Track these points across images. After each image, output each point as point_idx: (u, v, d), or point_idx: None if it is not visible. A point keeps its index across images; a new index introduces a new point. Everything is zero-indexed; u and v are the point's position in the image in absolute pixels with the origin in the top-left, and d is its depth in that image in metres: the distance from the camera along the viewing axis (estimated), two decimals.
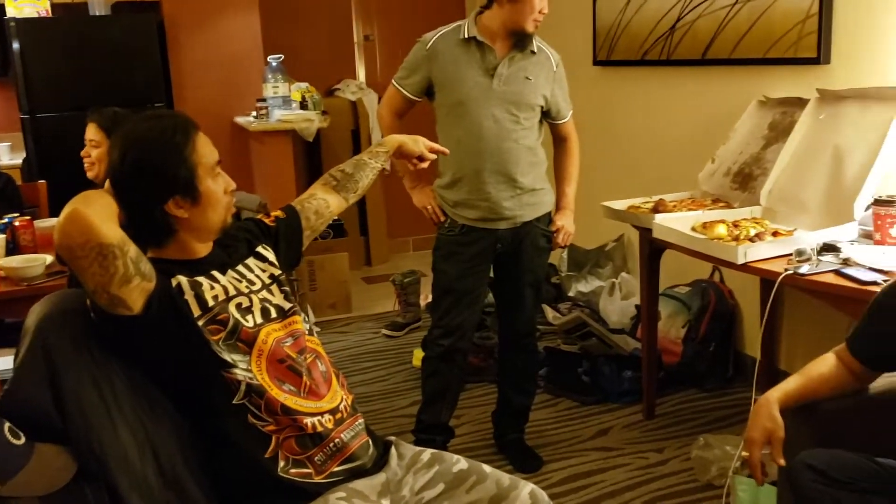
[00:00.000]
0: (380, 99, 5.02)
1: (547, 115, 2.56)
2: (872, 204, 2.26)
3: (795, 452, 1.73)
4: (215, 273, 1.53)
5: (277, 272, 1.66)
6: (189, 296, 1.45)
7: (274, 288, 1.62)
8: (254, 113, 4.28)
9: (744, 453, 1.71)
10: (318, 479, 1.49)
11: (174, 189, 1.46)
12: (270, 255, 1.68)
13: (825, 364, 1.76)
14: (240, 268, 1.60)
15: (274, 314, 1.57)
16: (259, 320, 1.54)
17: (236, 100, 4.50)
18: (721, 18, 3.16)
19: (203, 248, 1.55)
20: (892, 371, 1.73)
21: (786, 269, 2.16)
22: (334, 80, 5.22)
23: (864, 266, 2.08)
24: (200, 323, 1.45)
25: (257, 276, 1.62)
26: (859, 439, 1.73)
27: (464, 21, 2.47)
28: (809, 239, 2.27)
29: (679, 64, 3.44)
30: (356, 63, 5.36)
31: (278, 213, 1.78)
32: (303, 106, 4.31)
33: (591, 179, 3.78)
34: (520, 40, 2.41)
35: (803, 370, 1.79)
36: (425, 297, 4.34)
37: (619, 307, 3.68)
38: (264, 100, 4.25)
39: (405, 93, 2.52)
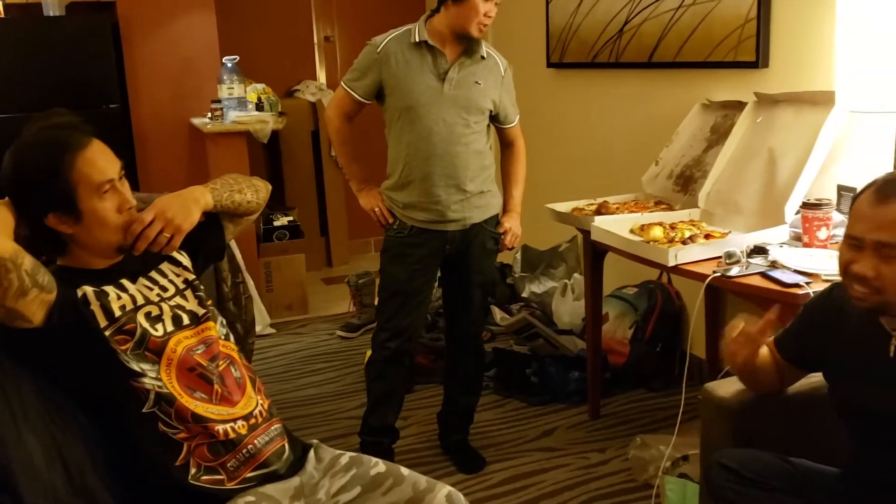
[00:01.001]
0: None
1: (494, 119, 2.59)
2: (801, 207, 2.30)
3: (712, 452, 1.77)
4: (124, 282, 1.53)
5: (192, 277, 1.66)
6: (95, 306, 1.45)
7: (188, 293, 1.62)
8: (209, 114, 4.26)
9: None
10: (230, 486, 1.50)
11: (50, 205, 1.44)
12: (185, 260, 1.68)
13: (765, 350, 1.79)
14: (153, 274, 1.60)
15: (186, 321, 1.58)
16: (169, 328, 1.54)
17: (192, 101, 4.47)
18: (665, 22, 3.19)
19: (104, 262, 1.54)
20: (811, 370, 1.75)
21: (714, 272, 2.19)
22: (294, 81, 5.21)
23: (789, 268, 2.11)
24: (107, 333, 1.45)
25: (171, 282, 1.62)
26: (773, 439, 1.77)
27: (414, 24, 2.47)
28: (741, 241, 2.30)
29: (627, 67, 3.47)
30: (316, 64, 5.35)
31: None
32: (259, 107, 4.29)
33: (543, 181, 3.81)
34: (468, 45, 2.43)
35: None
36: None
37: (570, 308, 3.70)
38: (219, 101, 4.23)
39: (355, 95, 2.51)
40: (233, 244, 3.75)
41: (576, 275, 3.91)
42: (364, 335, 3.92)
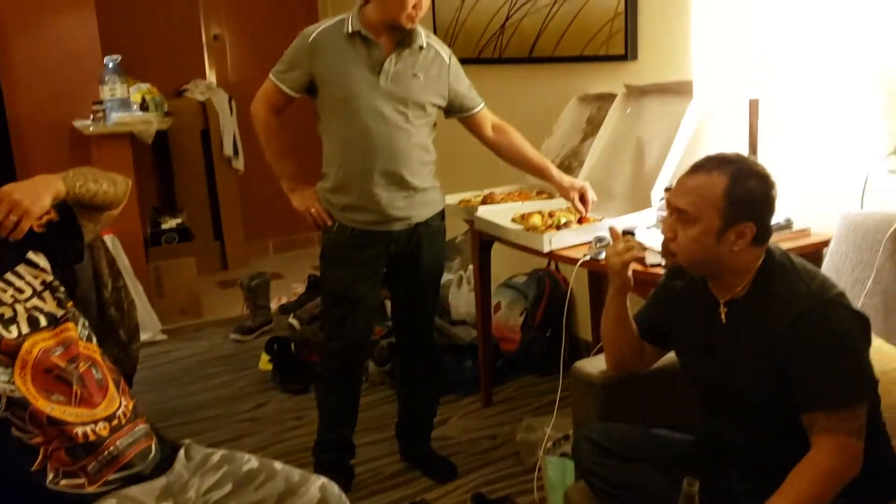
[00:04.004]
0: (231, 99, 5.00)
1: (453, 111, 2.47)
2: (665, 191, 2.41)
3: (579, 427, 1.84)
4: None
5: (50, 278, 1.62)
6: None
7: (46, 295, 1.58)
8: (91, 116, 4.12)
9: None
10: (90, 489, 1.47)
11: None
12: (42, 261, 1.63)
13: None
14: (8, 276, 1.55)
15: (43, 322, 1.54)
16: (25, 330, 1.50)
17: (74, 103, 4.31)
18: (543, 18, 3.28)
19: None
20: (667, 349, 1.84)
21: (585, 255, 2.27)
22: (183, 80, 5.09)
23: (654, 250, 2.21)
24: None
25: (28, 284, 1.57)
26: (637, 412, 1.85)
27: (347, 14, 2.31)
28: (613, 225, 2.39)
29: (509, 62, 3.54)
30: (206, 63, 5.25)
31: (51, 215, 1.71)
32: (143, 108, 4.18)
33: (437, 174, 3.85)
34: (403, 36, 2.29)
35: None
36: (277, 300, 4.32)
37: (466, 299, 3.75)
38: (101, 102, 4.11)
39: (284, 88, 2.34)
40: (116, 248, 3.70)
41: (471, 266, 3.97)
42: (259, 338, 3.87)
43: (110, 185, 1.74)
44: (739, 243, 1.52)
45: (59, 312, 1.58)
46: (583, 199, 2.50)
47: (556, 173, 2.54)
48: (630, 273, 1.76)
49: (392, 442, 2.76)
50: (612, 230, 1.88)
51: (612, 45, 2.96)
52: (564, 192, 2.54)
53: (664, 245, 1.62)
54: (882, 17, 2.08)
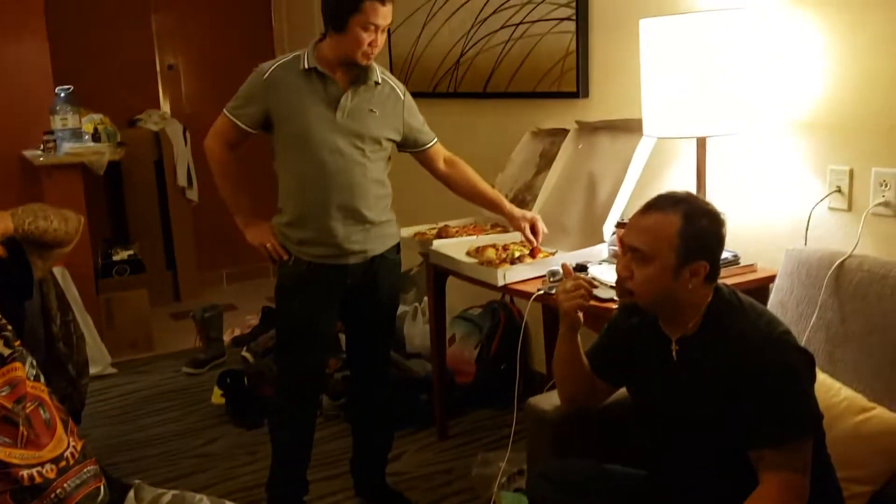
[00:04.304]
0: (185, 129, 4.96)
1: (407, 146, 2.50)
2: (615, 226, 2.46)
3: (536, 465, 1.85)
4: None
5: None
6: None
7: None
8: (41, 146, 4.06)
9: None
10: None
11: None
12: None
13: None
14: None
15: None
16: None
17: (24, 133, 4.24)
18: (497, 54, 3.34)
19: None
20: (618, 385, 1.86)
21: (539, 290, 2.30)
22: (137, 110, 5.05)
23: (606, 284, 2.25)
24: None
25: None
26: (591, 448, 1.87)
27: (303, 51, 2.33)
28: (566, 259, 2.42)
29: (464, 96, 3.60)
30: (160, 93, 5.21)
31: None
32: (96, 138, 4.14)
33: (393, 207, 3.86)
34: (359, 72, 2.32)
35: None
36: (230, 332, 4.27)
37: (421, 331, 3.76)
38: (52, 132, 4.05)
39: (239, 124, 2.35)
40: (66, 280, 3.63)
41: (426, 298, 3.98)
42: (211, 370, 3.82)
43: (61, 222, 1.72)
44: (694, 281, 1.56)
45: (6, 352, 1.55)
46: (533, 229, 2.54)
47: (508, 205, 2.59)
48: (580, 313, 1.78)
49: (346, 477, 2.74)
50: (564, 267, 1.91)
51: (564, 83, 3.02)
52: (515, 223, 2.58)
53: (620, 284, 1.63)
54: (824, 60, 2.17)
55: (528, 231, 2.54)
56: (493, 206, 2.61)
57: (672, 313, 1.62)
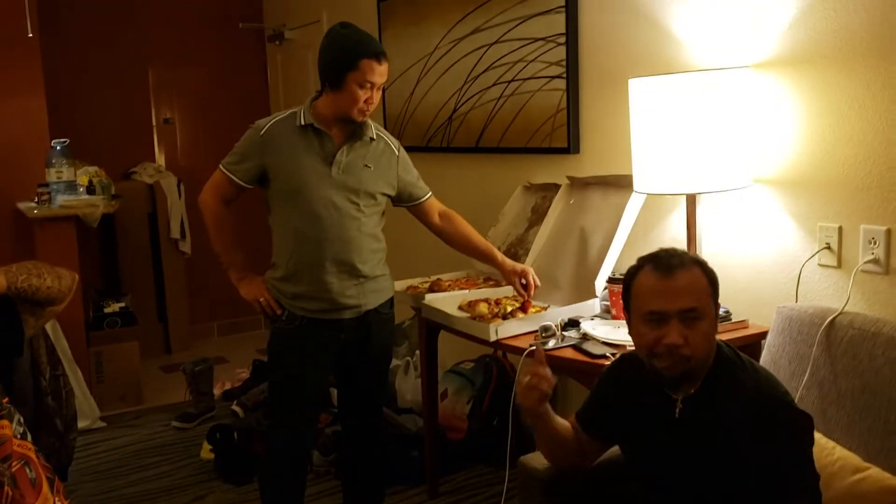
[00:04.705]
0: (179, 182, 4.99)
1: (402, 200, 2.53)
2: (607, 282, 2.47)
3: None
4: None
5: None
6: None
7: None
8: (36, 199, 4.08)
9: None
10: None
11: None
12: None
13: (566, 423, 1.86)
14: None
15: None
16: None
17: (18, 185, 4.27)
18: (489, 111, 3.39)
19: None
20: (612, 443, 1.84)
21: (531, 346, 2.30)
22: (132, 162, 5.09)
23: (598, 340, 2.25)
24: None
25: None
26: None
27: (299, 108, 2.37)
28: (558, 315, 2.43)
29: (457, 151, 3.64)
30: (155, 146, 5.26)
31: None
32: (90, 190, 4.16)
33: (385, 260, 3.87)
34: (354, 128, 2.36)
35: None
36: (221, 385, 4.23)
37: (413, 385, 3.73)
38: (47, 185, 4.07)
39: (235, 179, 2.38)
40: (57, 333, 3.60)
41: (419, 352, 3.96)
42: (201, 425, 3.78)
43: (55, 279, 1.72)
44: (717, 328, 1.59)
45: None
46: (525, 282, 2.54)
47: (501, 257, 2.60)
48: (543, 403, 1.74)
49: None
50: (538, 351, 1.86)
51: (555, 139, 3.06)
52: (507, 276, 2.58)
53: (674, 353, 1.55)
54: (811, 118, 2.20)
55: (518, 284, 2.55)
56: (487, 258, 2.62)
57: (695, 370, 1.58)
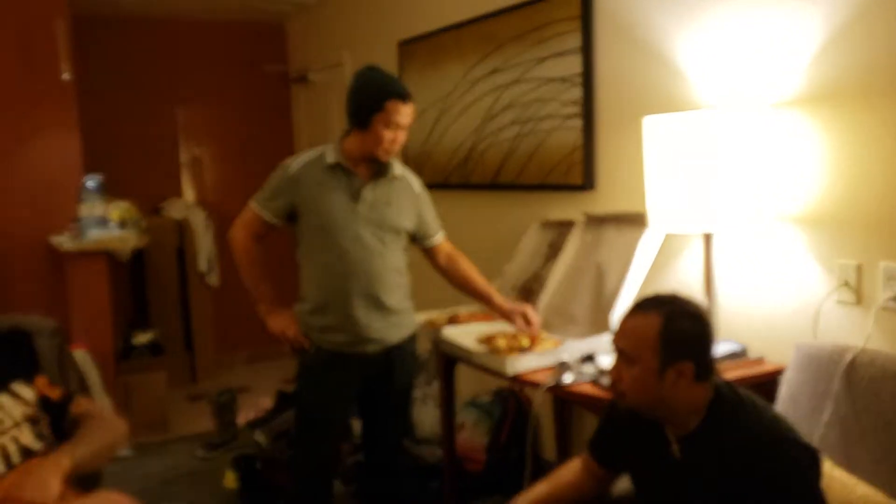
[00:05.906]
0: (207, 217, 5.13)
1: (417, 238, 2.62)
2: None
3: None
4: None
5: (33, 412, 1.66)
6: None
7: (25, 427, 1.62)
8: (68, 233, 4.21)
9: None
10: None
11: None
12: (28, 394, 1.67)
13: (570, 470, 1.92)
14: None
15: (16, 459, 1.56)
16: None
17: (51, 220, 4.40)
18: (506, 149, 3.48)
19: None
20: (622, 471, 1.89)
21: (547, 381, 2.35)
22: (161, 198, 5.25)
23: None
24: None
25: (7, 414, 1.61)
26: None
27: (326, 146, 2.50)
28: (575, 349, 2.49)
29: (474, 188, 3.73)
30: (183, 182, 5.41)
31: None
32: (121, 225, 4.28)
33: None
34: (379, 166, 2.48)
35: (550, 476, 1.95)
36: (245, 414, 4.31)
37: (431, 417, 3.79)
38: (79, 220, 4.20)
39: (266, 216, 2.49)
40: (87, 363, 3.70)
41: (437, 383, 4.02)
42: (225, 453, 3.85)
43: (109, 450, 1.80)
44: (681, 382, 1.57)
45: (36, 446, 1.61)
46: (527, 319, 2.60)
47: (498, 299, 2.67)
48: None
49: None
50: None
51: (571, 176, 3.14)
52: (507, 317, 2.64)
53: (613, 386, 1.67)
54: (828, 155, 2.21)
55: (520, 322, 2.60)
56: (485, 300, 2.69)
57: (669, 414, 1.63)
